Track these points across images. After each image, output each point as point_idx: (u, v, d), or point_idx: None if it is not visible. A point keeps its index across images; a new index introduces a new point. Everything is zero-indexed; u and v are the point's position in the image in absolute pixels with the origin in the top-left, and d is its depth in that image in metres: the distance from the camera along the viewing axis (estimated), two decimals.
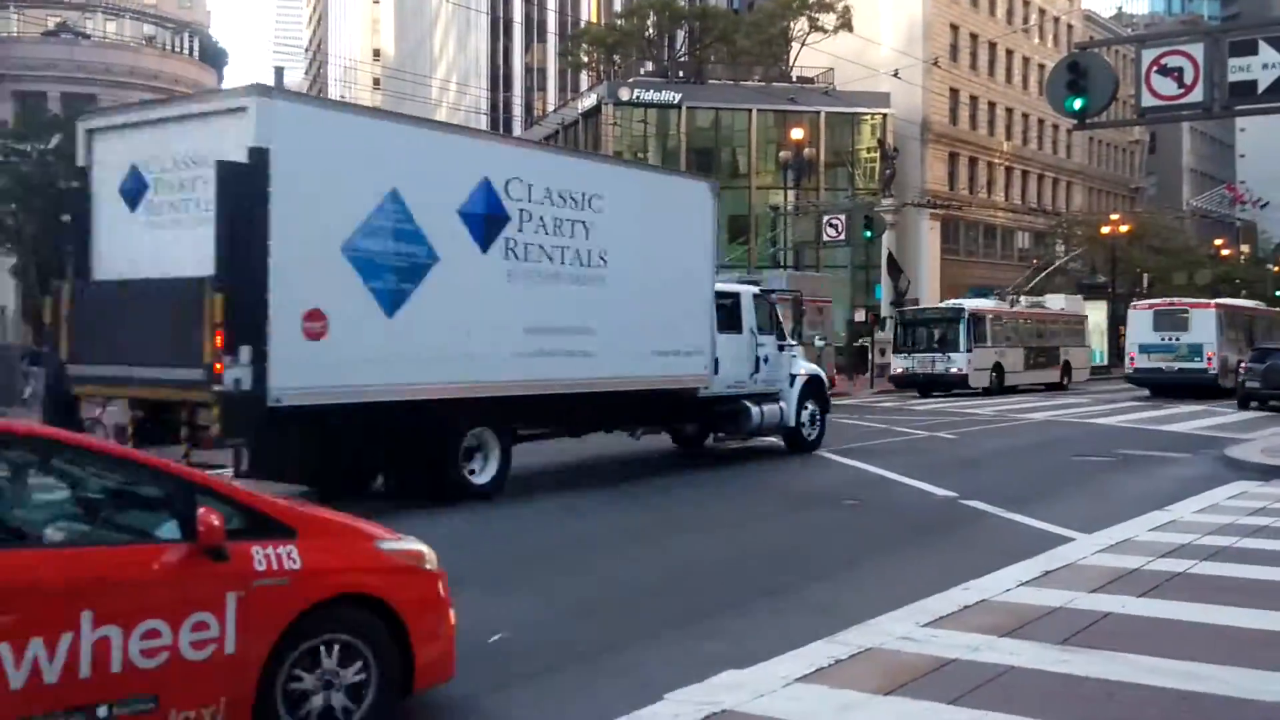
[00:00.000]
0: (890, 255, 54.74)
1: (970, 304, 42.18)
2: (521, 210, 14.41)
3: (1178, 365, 37.25)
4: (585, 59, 69.63)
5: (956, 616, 7.82)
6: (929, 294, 60.70)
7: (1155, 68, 17.93)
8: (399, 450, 13.78)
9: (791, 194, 56.20)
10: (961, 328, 38.91)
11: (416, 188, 13.06)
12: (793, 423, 19.57)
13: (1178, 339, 37.55)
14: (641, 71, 67.13)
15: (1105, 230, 65.37)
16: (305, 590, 5.30)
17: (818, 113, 62.70)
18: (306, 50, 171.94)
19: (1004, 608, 8.06)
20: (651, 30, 66.47)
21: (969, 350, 38.66)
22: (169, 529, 5.03)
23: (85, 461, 5.24)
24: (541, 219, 14.71)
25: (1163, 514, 12.41)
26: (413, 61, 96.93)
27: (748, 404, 18.44)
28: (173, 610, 4.86)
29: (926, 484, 15.49)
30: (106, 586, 4.72)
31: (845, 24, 60.69)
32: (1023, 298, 46.24)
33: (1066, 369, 45.66)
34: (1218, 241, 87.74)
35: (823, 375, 21.44)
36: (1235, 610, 7.95)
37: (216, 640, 4.97)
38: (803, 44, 63.44)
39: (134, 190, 12.76)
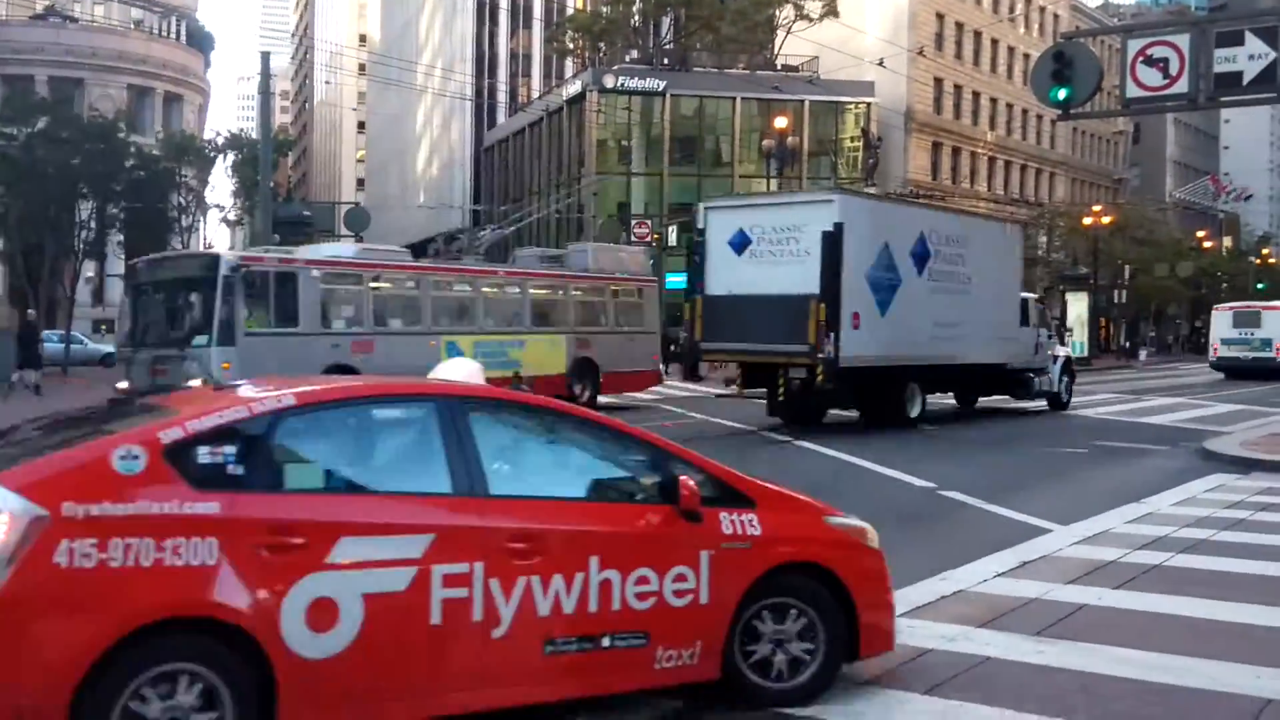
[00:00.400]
0: None
1: None
2: (935, 250, 22.80)
3: (1251, 355, 45.68)
4: (571, 46, 69.48)
5: (933, 606, 7.90)
6: None
7: (1141, 58, 17.88)
8: (875, 395, 22.21)
9: (774, 183, 56.04)
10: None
11: (894, 239, 21.82)
12: (1055, 389, 27.38)
13: (1252, 334, 46.37)
14: (626, 59, 67.04)
15: (1087, 221, 65.53)
16: (764, 555, 5.96)
17: (802, 101, 62.49)
18: (293, 35, 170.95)
19: (980, 598, 8.14)
20: (637, 18, 66.37)
21: None
22: (654, 492, 5.83)
23: (590, 431, 6.15)
24: (944, 254, 23.07)
25: (1140, 506, 12.52)
26: (399, 46, 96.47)
27: (1031, 375, 26.39)
28: (659, 561, 5.67)
29: (905, 474, 15.53)
30: (608, 537, 5.62)
31: (831, 11, 60.56)
32: None
33: None
34: (1200, 233, 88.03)
35: (1072, 356, 29.79)
36: (1211, 603, 8.04)
37: (693, 591, 5.73)
38: (788, 31, 63.35)
39: (739, 243, 21.54)
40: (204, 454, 4.89)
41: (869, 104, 64.81)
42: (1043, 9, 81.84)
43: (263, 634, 4.74)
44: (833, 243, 20.01)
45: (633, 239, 51.00)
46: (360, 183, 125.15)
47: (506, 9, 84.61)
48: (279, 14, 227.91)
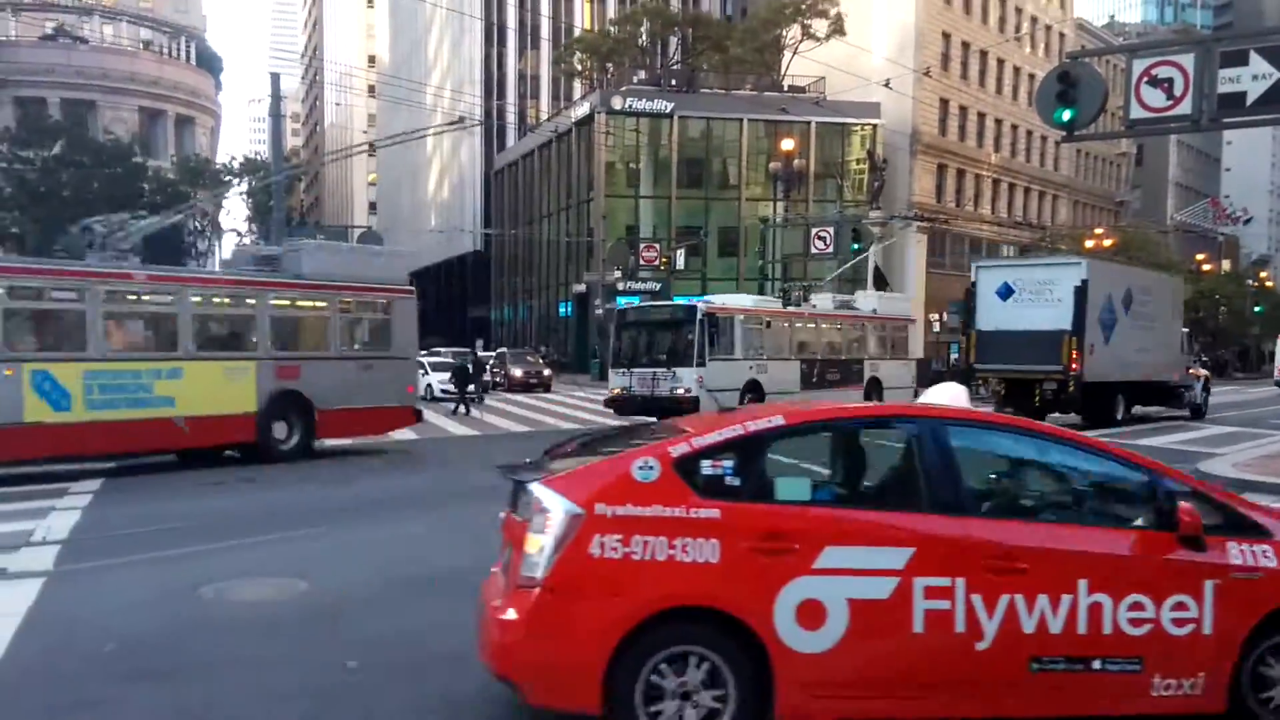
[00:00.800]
0: (877, 268, 54.83)
1: (716, 300, 32.16)
2: (1136, 297, 30.56)
3: None
4: (579, 67, 69.87)
5: None
6: (914, 307, 60.67)
7: (1145, 78, 17.76)
8: (1096, 403, 28.96)
9: (780, 206, 56.48)
10: (695, 333, 28.35)
11: (1114, 290, 29.56)
12: (1198, 401, 34.43)
13: None
14: (634, 80, 67.35)
15: (1089, 245, 65.93)
16: (1278, 587, 5.93)
17: (808, 123, 62.86)
18: (302, 56, 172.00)
19: None
20: (644, 38, 66.69)
21: (701, 364, 28.20)
22: (1147, 518, 5.95)
23: (1077, 453, 6.31)
24: (1139, 300, 30.76)
25: None
26: (407, 67, 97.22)
27: (1183, 390, 33.74)
28: (1154, 588, 5.75)
29: None
30: (1097, 560, 5.74)
31: (838, 30, 61.11)
32: (816, 296, 38.48)
33: (875, 387, 36.10)
34: (1200, 256, 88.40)
35: (1210, 376, 37.84)
36: None
37: (1195, 621, 5.77)
38: (795, 51, 63.74)
39: (1004, 292, 28.77)
40: (707, 467, 5.67)
41: (875, 126, 65.05)
42: (1048, 28, 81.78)
43: (759, 626, 5.43)
44: (1081, 293, 27.83)
45: (640, 262, 51.53)
46: (372, 205, 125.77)
47: (515, 29, 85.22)
48: (288, 35, 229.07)
